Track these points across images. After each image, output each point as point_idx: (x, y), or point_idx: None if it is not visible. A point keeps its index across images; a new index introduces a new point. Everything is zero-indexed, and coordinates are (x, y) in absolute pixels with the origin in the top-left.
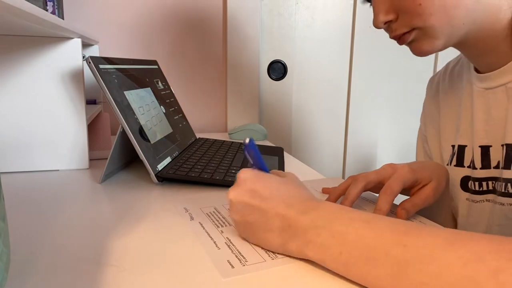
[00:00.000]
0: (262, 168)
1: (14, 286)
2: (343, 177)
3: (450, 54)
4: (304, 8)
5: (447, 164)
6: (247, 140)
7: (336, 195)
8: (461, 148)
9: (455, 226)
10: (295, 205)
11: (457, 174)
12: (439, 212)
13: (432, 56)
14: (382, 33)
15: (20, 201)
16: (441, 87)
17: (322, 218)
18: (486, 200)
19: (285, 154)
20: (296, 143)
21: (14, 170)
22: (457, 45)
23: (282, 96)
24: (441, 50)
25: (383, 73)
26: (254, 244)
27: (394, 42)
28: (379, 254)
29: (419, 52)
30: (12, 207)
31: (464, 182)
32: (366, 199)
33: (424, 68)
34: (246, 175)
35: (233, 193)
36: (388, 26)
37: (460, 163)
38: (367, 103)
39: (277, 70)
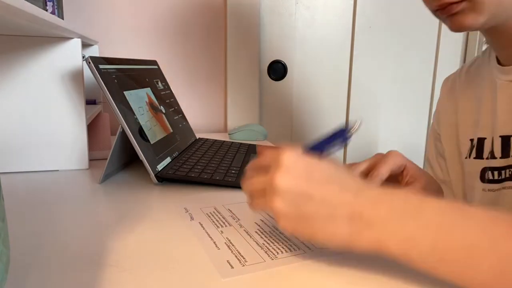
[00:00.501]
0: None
1: (13, 286)
2: None
3: (451, 56)
4: (304, 8)
5: (466, 157)
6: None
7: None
8: (480, 141)
9: None
10: (362, 192)
11: (476, 166)
12: None
13: (432, 56)
14: (383, 33)
15: (19, 202)
16: (457, 84)
17: (404, 207)
18: (503, 188)
19: None
20: (296, 143)
21: (14, 170)
22: (490, 31)
23: (282, 96)
24: (479, 29)
25: (383, 73)
26: (309, 239)
27: (394, 42)
28: (483, 248)
29: (459, 26)
30: (11, 207)
31: (483, 173)
32: None
33: (424, 68)
34: (292, 158)
35: (281, 178)
36: None
37: (479, 155)
38: (367, 103)
39: (277, 70)
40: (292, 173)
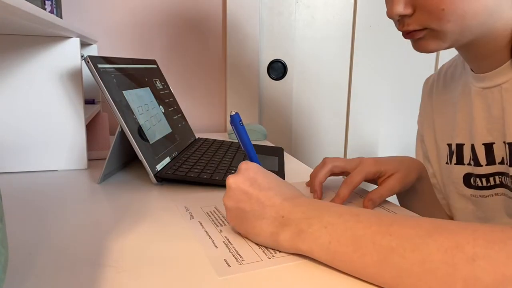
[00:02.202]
0: (245, 145)
1: (12, 287)
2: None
3: (452, 55)
4: (304, 7)
5: (446, 163)
6: (232, 112)
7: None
8: (459, 147)
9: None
10: (290, 199)
11: (458, 172)
12: (422, 206)
13: (433, 55)
14: (383, 32)
15: (18, 202)
16: (435, 88)
17: (314, 211)
18: (496, 194)
19: (285, 154)
20: (296, 143)
21: (12, 170)
22: (458, 48)
23: (282, 95)
24: (443, 49)
25: (384, 72)
26: (242, 235)
27: (395, 41)
28: (366, 243)
29: (423, 49)
30: (10, 207)
31: (467, 179)
32: (355, 193)
33: (424, 67)
34: (248, 166)
35: (232, 179)
36: (401, 19)
37: (460, 161)
38: (367, 102)
39: (277, 69)
40: (241, 177)
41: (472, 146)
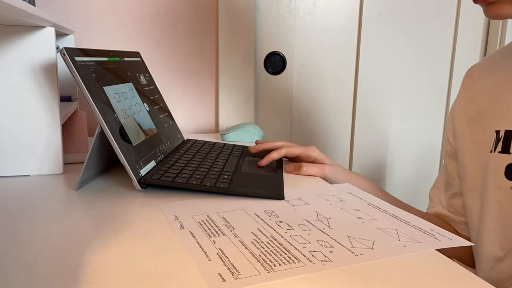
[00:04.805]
0: None
1: None
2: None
3: (470, 47)
4: None
5: (490, 151)
6: None
7: (261, 149)
8: (508, 133)
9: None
10: None
11: (501, 161)
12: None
13: (449, 47)
14: (393, 21)
15: None
16: (484, 73)
17: None
18: None
19: None
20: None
21: None
22: None
23: (281, 92)
24: None
25: (394, 67)
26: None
27: (406, 31)
28: None
29: (495, 14)
30: None
31: (509, 170)
32: (359, 198)
33: (440, 60)
34: None
35: None
36: None
37: (506, 149)
38: (376, 99)
39: (275, 63)
40: None
41: None
